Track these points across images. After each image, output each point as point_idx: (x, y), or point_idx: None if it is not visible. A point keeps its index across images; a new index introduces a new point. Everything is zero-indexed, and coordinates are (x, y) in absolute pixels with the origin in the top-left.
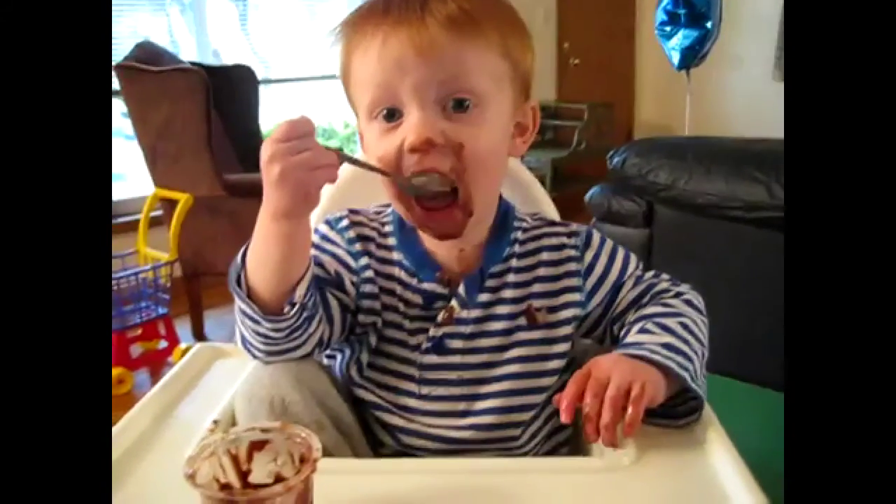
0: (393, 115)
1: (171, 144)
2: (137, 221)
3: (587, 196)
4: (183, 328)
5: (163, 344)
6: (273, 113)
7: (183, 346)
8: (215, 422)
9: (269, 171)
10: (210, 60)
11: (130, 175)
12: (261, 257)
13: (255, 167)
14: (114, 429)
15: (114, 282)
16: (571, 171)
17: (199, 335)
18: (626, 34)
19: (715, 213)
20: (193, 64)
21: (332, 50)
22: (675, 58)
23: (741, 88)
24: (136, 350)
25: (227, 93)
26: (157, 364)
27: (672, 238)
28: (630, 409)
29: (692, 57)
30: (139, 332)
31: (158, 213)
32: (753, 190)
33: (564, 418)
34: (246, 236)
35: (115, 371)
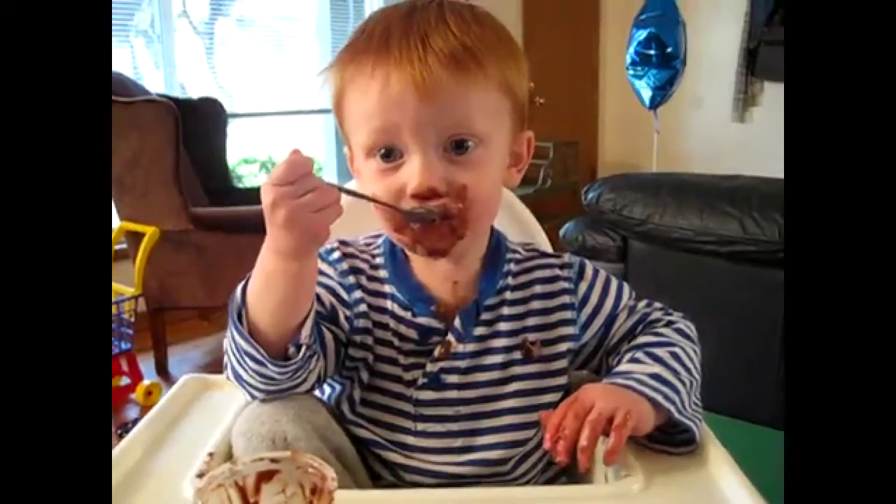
0: (391, 155)
1: (139, 176)
2: None
3: (562, 232)
4: (146, 364)
5: (125, 380)
6: (239, 147)
7: (146, 382)
8: (210, 454)
9: (275, 216)
10: (177, 94)
11: None
12: (265, 295)
13: (222, 200)
14: None
15: None
16: (537, 207)
17: (163, 371)
18: (590, 74)
19: (689, 248)
20: (161, 96)
21: (316, 80)
22: (646, 97)
23: (702, 128)
24: None
25: (195, 126)
26: (119, 401)
27: (646, 272)
28: (612, 436)
29: (662, 96)
30: None
31: (123, 245)
32: (727, 224)
33: (547, 445)
34: (211, 271)
35: None
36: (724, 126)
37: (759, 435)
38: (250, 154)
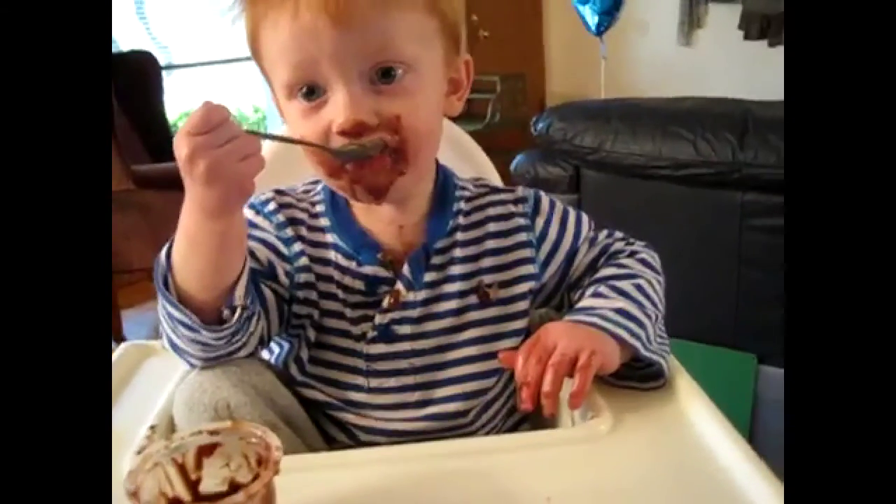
0: (314, 92)
1: None
2: None
3: (512, 165)
4: None
5: None
6: (179, 100)
7: None
8: (152, 428)
9: (194, 169)
10: None
11: None
12: (193, 258)
13: (165, 157)
14: None
15: None
16: (487, 143)
17: (118, 336)
18: (532, 4)
19: (643, 174)
20: None
21: (236, 24)
22: (593, 22)
23: (648, 54)
24: None
25: (129, 81)
26: None
27: (601, 201)
28: (577, 378)
29: (608, 22)
30: None
31: None
32: (680, 148)
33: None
34: (159, 230)
35: None
36: (670, 50)
37: (720, 357)
38: (191, 107)
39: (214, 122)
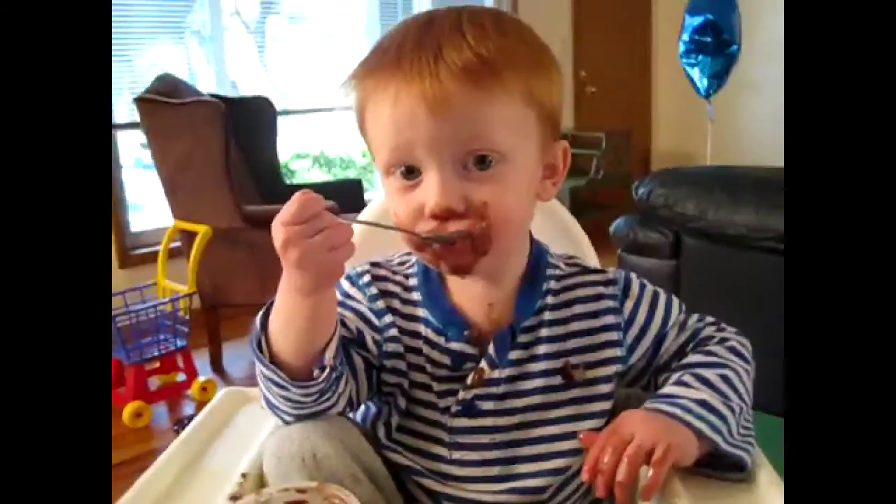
0: (411, 172)
1: (191, 176)
2: (156, 253)
3: (612, 227)
4: (201, 360)
5: (181, 377)
6: (291, 143)
7: (202, 378)
8: (244, 475)
9: (287, 256)
10: (229, 92)
11: (149, 206)
12: (285, 328)
13: (275, 199)
14: (140, 479)
15: (132, 314)
16: (589, 199)
17: (218, 368)
18: (642, 62)
19: (745, 245)
20: (212, 95)
21: (349, 97)
22: (702, 85)
23: (760, 115)
24: (153, 383)
25: (246, 124)
26: (175, 397)
27: (700, 270)
28: (651, 472)
29: (717, 84)
30: (157, 364)
31: (177, 244)
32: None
33: (585, 476)
34: (266, 268)
35: (134, 405)
36: (780, 114)
37: None
38: (303, 149)
39: (308, 214)
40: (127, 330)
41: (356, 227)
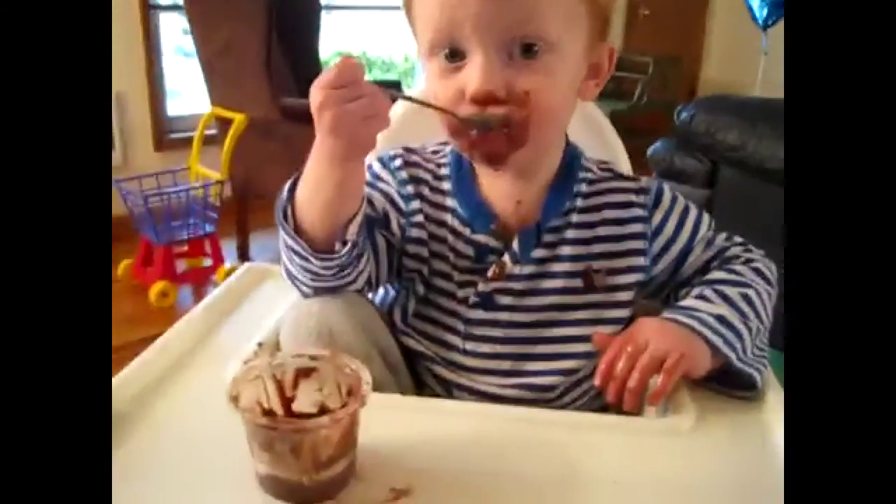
0: (455, 55)
1: (230, 63)
2: (191, 138)
3: (650, 150)
4: (228, 248)
5: (207, 262)
6: (333, 40)
7: (227, 265)
8: (260, 344)
9: (322, 119)
10: None
11: (187, 92)
12: (312, 197)
13: None
14: (157, 341)
15: (164, 196)
16: (629, 123)
17: (244, 256)
18: None
19: (782, 180)
20: None
21: None
22: (760, 14)
23: None
24: (181, 265)
25: (290, 16)
26: (201, 281)
27: (734, 201)
28: (660, 379)
29: (777, 15)
30: (185, 248)
31: (213, 131)
32: None
33: (598, 381)
34: (299, 161)
35: (160, 284)
36: None
37: None
38: (345, 48)
39: (347, 79)
40: (158, 211)
41: (396, 109)
